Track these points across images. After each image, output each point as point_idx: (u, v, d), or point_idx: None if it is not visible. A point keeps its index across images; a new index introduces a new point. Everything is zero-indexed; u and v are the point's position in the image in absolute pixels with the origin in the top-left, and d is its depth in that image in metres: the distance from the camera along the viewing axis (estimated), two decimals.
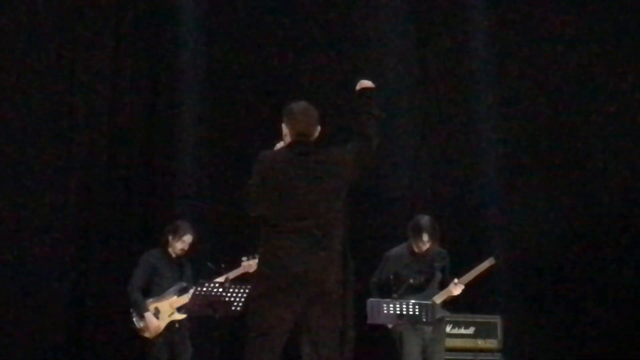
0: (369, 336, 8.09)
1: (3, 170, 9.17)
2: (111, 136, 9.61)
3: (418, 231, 7.75)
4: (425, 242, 7.75)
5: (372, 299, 7.52)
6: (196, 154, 9.80)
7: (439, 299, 7.72)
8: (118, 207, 9.52)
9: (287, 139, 5.13)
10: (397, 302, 7.43)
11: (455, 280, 7.72)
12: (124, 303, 8.10)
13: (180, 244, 8.08)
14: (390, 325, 7.69)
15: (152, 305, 7.92)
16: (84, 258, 9.39)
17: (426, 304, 7.51)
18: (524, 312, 9.56)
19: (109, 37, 9.65)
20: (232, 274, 7.75)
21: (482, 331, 8.71)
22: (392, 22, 10.07)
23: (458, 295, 7.78)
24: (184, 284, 7.96)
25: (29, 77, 9.29)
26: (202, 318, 7.92)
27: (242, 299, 7.45)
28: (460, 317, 8.66)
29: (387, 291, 7.69)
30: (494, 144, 10.10)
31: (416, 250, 7.79)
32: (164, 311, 7.90)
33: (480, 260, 7.90)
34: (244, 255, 7.74)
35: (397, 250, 7.94)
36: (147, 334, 7.90)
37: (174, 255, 8.11)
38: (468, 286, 7.78)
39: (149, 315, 7.87)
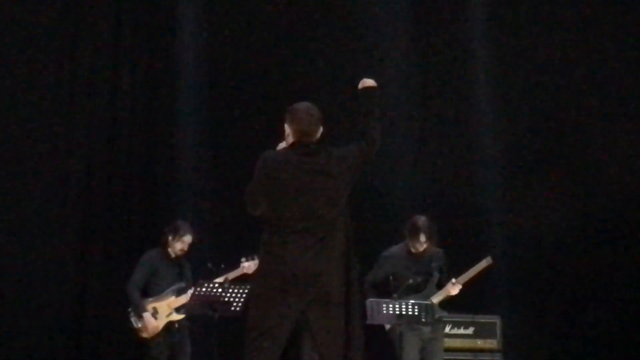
0: (366, 336, 8.08)
1: (3, 171, 9.16)
2: (111, 137, 9.59)
3: (415, 232, 7.76)
4: (422, 243, 7.76)
5: (371, 299, 7.53)
6: (196, 154, 9.80)
7: (437, 299, 7.73)
8: (117, 207, 9.51)
9: (290, 139, 5.11)
10: (397, 302, 7.46)
11: (453, 280, 7.74)
12: (124, 303, 8.10)
13: (180, 244, 8.08)
14: (387, 326, 7.70)
15: (150, 305, 7.92)
16: (83, 258, 9.37)
17: (426, 304, 7.53)
18: (523, 313, 9.57)
19: (108, 38, 9.63)
20: (232, 275, 7.76)
21: (482, 331, 8.71)
22: (392, 24, 10.09)
23: (456, 295, 7.80)
24: (183, 285, 7.96)
25: (28, 79, 9.28)
26: (201, 318, 7.91)
27: (242, 299, 7.47)
28: (459, 318, 8.66)
29: (382, 291, 7.69)
30: (492, 144, 10.11)
31: (413, 250, 7.80)
32: (162, 311, 7.91)
33: (479, 260, 7.92)
34: (243, 257, 7.74)
35: (394, 250, 7.94)
36: (145, 334, 7.91)
37: (173, 256, 8.11)
38: (466, 286, 7.80)
39: (146, 315, 7.87)
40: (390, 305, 7.46)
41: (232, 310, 7.50)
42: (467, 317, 8.72)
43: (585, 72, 10.11)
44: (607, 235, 9.87)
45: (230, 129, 9.85)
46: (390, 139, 9.20)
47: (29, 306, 9.00)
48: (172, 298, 7.91)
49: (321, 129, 5.13)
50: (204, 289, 7.49)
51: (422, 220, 7.83)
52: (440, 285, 7.82)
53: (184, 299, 7.81)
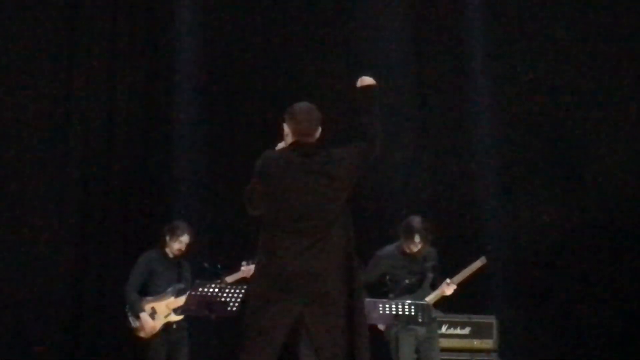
0: None
1: (1, 172, 9.14)
2: (109, 136, 9.58)
3: (410, 232, 7.76)
4: (416, 244, 7.75)
5: (367, 299, 7.51)
6: (194, 154, 9.79)
7: (432, 299, 7.73)
8: (115, 207, 9.50)
9: (289, 139, 5.09)
10: (393, 302, 7.47)
11: (448, 280, 7.75)
12: (121, 303, 8.09)
13: (178, 244, 8.07)
14: (381, 326, 7.69)
15: (149, 305, 7.91)
16: (80, 258, 9.36)
17: (422, 304, 7.54)
18: (520, 313, 9.57)
19: (106, 39, 9.62)
20: (231, 278, 7.74)
21: (478, 331, 8.72)
22: (391, 25, 10.08)
23: (451, 295, 7.80)
24: (182, 286, 7.95)
25: (26, 79, 9.27)
26: (199, 318, 7.90)
27: (238, 300, 7.46)
28: (455, 318, 8.68)
29: (376, 291, 7.69)
30: (489, 145, 10.11)
31: (407, 251, 7.80)
32: (161, 312, 7.90)
33: (475, 261, 7.92)
34: (244, 260, 7.71)
35: (388, 250, 7.93)
36: (142, 334, 7.91)
37: (171, 256, 8.11)
38: (461, 286, 7.80)
39: (144, 315, 7.87)
40: (387, 306, 7.45)
41: (229, 310, 7.50)
42: (463, 317, 8.74)
43: (583, 76, 10.11)
44: (603, 235, 9.88)
45: (228, 129, 9.84)
46: (388, 139, 9.20)
47: (26, 306, 9.00)
48: (171, 299, 7.91)
49: (320, 129, 5.12)
50: (200, 290, 7.47)
51: (416, 221, 7.82)
52: (434, 285, 7.82)
53: (183, 299, 7.79)
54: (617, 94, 10.05)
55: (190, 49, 9.81)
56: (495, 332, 8.76)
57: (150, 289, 8.02)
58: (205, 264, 7.88)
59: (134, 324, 7.91)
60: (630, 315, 9.65)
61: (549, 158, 10.11)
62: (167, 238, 8.09)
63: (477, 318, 8.80)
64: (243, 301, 7.23)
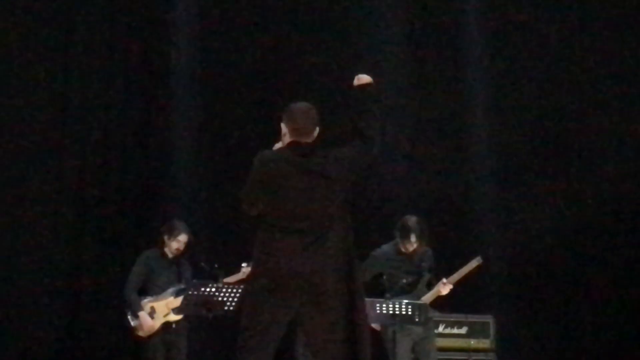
0: None
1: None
2: (106, 135, 9.57)
3: (406, 232, 7.76)
4: (412, 243, 7.75)
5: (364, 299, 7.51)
6: (191, 154, 9.78)
7: (428, 299, 7.73)
8: (112, 206, 9.49)
9: (286, 138, 5.07)
10: (390, 302, 7.45)
11: (444, 280, 7.74)
12: (117, 303, 8.09)
13: (176, 244, 8.07)
14: (375, 326, 7.68)
15: (148, 304, 7.92)
16: (77, 259, 9.34)
17: (419, 304, 7.53)
18: (517, 312, 9.58)
19: (103, 38, 9.62)
20: (231, 279, 7.74)
21: (475, 331, 8.74)
22: (387, 24, 10.08)
23: (447, 295, 7.80)
24: (182, 286, 7.94)
25: (22, 80, 9.27)
26: (195, 318, 7.89)
27: (235, 299, 7.46)
28: (453, 317, 8.69)
29: (371, 290, 7.69)
30: (485, 144, 10.12)
31: (403, 250, 7.80)
32: (160, 311, 7.90)
33: (470, 260, 7.93)
34: (244, 262, 7.70)
35: (384, 249, 7.93)
36: (141, 333, 7.91)
37: (170, 256, 8.11)
38: (457, 286, 7.80)
39: (143, 314, 7.87)
40: (384, 305, 7.45)
41: (226, 310, 7.49)
42: (460, 317, 8.75)
43: (580, 77, 10.12)
44: (599, 235, 9.89)
45: (225, 129, 9.83)
46: (385, 139, 9.21)
47: (23, 306, 8.97)
48: (171, 298, 7.90)
49: (318, 129, 5.10)
50: (198, 290, 7.47)
51: (412, 220, 7.82)
52: (430, 285, 7.82)
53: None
54: (613, 93, 10.06)
55: (187, 50, 9.81)
56: (492, 331, 8.77)
57: (149, 289, 8.01)
58: (203, 264, 7.88)
59: (133, 323, 7.91)
60: (627, 314, 9.66)
61: (546, 158, 10.12)
62: (166, 238, 8.09)
63: (474, 317, 8.81)
64: (240, 301, 7.22)
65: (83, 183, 9.45)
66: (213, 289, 7.46)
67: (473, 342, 8.71)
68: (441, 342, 8.39)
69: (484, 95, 10.16)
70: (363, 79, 5.24)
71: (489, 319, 8.83)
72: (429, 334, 7.87)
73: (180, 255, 8.12)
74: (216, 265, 7.72)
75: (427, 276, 7.84)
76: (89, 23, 9.57)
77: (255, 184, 4.97)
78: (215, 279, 7.62)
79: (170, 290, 7.94)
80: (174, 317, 7.89)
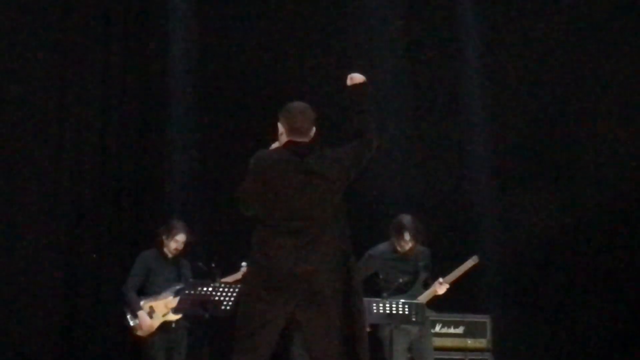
0: None
1: None
2: (103, 135, 9.56)
3: (400, 230, 7.77)
4: (407, 241, 7.76)
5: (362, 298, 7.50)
6: (188, 154, 9.77)
7: (424, 298, 7.73)
8: (108, 206, 9.47)
9: (283, 138, 5.08)
10: (387, 302, 7.46)
11: (440, 280, 7.75)
12: (116, 303, 8.08)
13: (174, 244, 8.08)
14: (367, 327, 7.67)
15: (147, 304, 7.94)
16: (74, 259, 9.31)
17: (416, 304, 7.54)
18: (513, 312, 9.57)
19: (99, 38, 9.62)
20: (230, 279, 7.74)
21: (472, 331, 8.74)
22: (383, 25, 10.08)
23: (443, 294, 7.81)
24: (182, 285, 7.93)
25: (19, 81, 9.25)
26: (192, 317, 7.89)
27: (232, 298, 7.46)
28: (449, 317, 8.69)
29: (370, 290, 7.69)
30: (482, 144, 10.12)
31: (399, 249, 7.80)
32: (159, 311, 7.91)
33: (467, 260, 7.93)
34: (244, 261, 7.69)
35: (380, 248, 7.93)
36: (140, 333, 7.93)
37: (170, 256, 8.12)
38: (453, 285, 7.80)
39: (141, 314, 7.88)
40: (381, 305, 7.45)
41: (223, 309, 7.49)
42: (457, 317, 8.75)
43: (578, 75, 10.13)
44: (596, 234, 9.90)
45: (222, 129, 9.82)
46: (381, 138, 9.19)
47: (20, 307, 8.95)
48: (170, 298, 7.90)
49: (314, 129, 5.11)
50: (194, 289, 7.47)
51: (407, 218, 7.83)
52: (426, 285, 7.82)
53: None
54: (610, 91, 10.06)
55: (184, 50, 9.81)
56: (488, 331, 8.77)
57: (148, 289, 8.04)
58: (200, 264, 7.88)
59: (132, 323, 7.91)
60: (624, 313, 9.66)
61: (543, 157, 10.13)
62: (164, 238, 8.11)
63: (470, 317, 8.81)
64: (237, 300, 7.22)
65: (80, 183, 9.43)
66: (210, 289, 7.46)
67: (470, 342, 8.71)
68: (438, 342, 8.39)
69: (481, 94, 10.16)
70: (356, 78, 5.23)
71: (485, 318, 8.83)
72: (426, 333, 7.87)
73: (180, 255, 8.13)
74: (213, 265, 7.72)
75: (423, 276, 7.84)
76: (85, 23, 9.55)
77: (251, 183, 4.97)
78: (212, 278, 7.62)
79: (170, 290, 7.94)
80: (173, 317, 7.90)
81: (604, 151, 10.03)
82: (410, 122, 10.16)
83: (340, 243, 4.97)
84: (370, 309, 7.38)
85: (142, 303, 7.93)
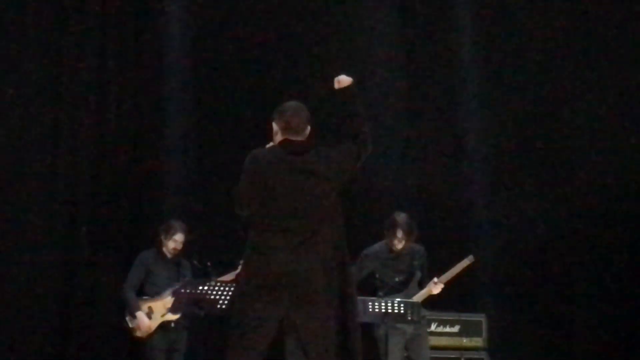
0: None
1: None
2: (99, 135, 9.55)
3: (393, 228, 7.76)
4: (400, 239, 7.75)
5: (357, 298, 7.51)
6: (184, 153, 9.76)
7: (419, 298, 7.73)
8: (106, 206, 9.46)
9: (278, 137, 5.08)
10: (383, 301, 7.47)
11: (435, 280, 7.74)
12: (112, 304, 8.08)
13: (173, 244, 8.09)
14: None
15: (146, 304, 7.95)
16: (70, 259, 9.30)
17: (412, 303, 7.54)
18: (509, 311, 9.58)
19: (95, 40, 9.61)
20: (226, 277, 7.73)
21: (467, 329, 8.74)
22: (380, 23, 10.08)
23: (439, 294, 7.80)
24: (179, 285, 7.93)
25: (16, 81, 9.25)
26: (192, 316, 7.88)
27: (228, 297, 7.45)
28: (445, 316, 8.70)
29: (365, 290, 7.69)
30: (478, 143, 10.12)
31: (393, 247, 7.79)
32: (157, 311, 7.91)
33: (462, 259, 7.93)
34: (241, 259, 7.66)
35: (375, 248, 7.92)
36: (138, 334, 7.93)
37: (169, 255, 8.12)
38: (450, 284, 7.80)
39: (140, 314, 7.89)
40: (376, 304, 7.46)
41: (218, 308, 7.49)
42: (453, 315, 8.76)
43: (571, 73, 10.13)
44: (591, 233, 9.90)
45: (219, 127, 9.81)
46: (376, 137, 9.19)
47: (18, 308, 8.94)
48: (169, 298, 7.89)
49: (309, 129, 5.11)
50: (190, 288, 7.47)
51: (400, 216, 7.82)
52: (422, 284, 7.82)
53: None
54: (605, 90, 10.06)
55: (180, 50, 9.79)
56: (484, 330, 8.78)
57: (147, 289, 8.04)
58: (195, 262, 7.88)
59: (131, 323, 7.92)
60: (619, 312, 9.67)
61: (538, 157, 10.13)
62: (163, 237, 8.11)
63: (466, 316, 8.82)
64: (231, 300, 7.22)
65: (77, 182, 9.43)
66: (205, 287, 7.46)
67: (465, 341, 8.72)
68: (433, 341, 8.39)
69: (477, 93, 10.16)
70: (343, 81, 5.22)
71: (481, 317, 8.84)
72: (422, 332, 7.88)
73: (179, 254, 8.13)
74: (209, 264, 7.72)
75: (418, 275, 7.84)
76: (81, 25, 9.54)
77: (246, 182, 4.97)
78: (208, 277, 7.61)
79: (169, 289, 7.93)
80: (172, 317, 7.89)
81: (599, 151, 10.03)
82: (406, 121, 10.16)
83: (336, 242, 4.96)
84: (366, 308, 7.39)
85: (140, 303, 7.93)
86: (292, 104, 5.14)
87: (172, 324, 7.93)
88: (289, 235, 4.88)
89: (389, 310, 7.44)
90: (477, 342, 8.75)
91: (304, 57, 9.96)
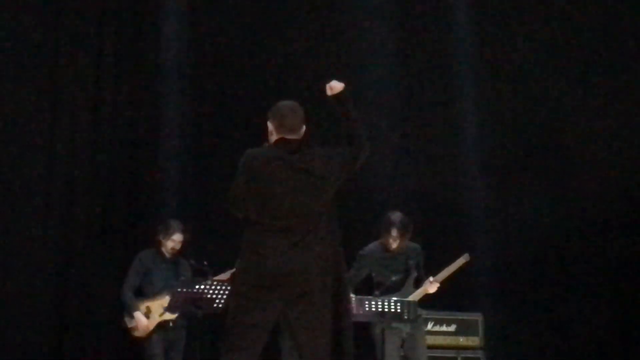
0: None
1: None
2: (96, 133, 9.55)
3: (388, 227, 7.76)
4: (395, 238, 7.75)
5: (353, 297, 7.52)
6: (182, 153, 9.76)
7: (415, 297, 7.73)
8: (103, 205, 9.46)
9: (273, 137, 5.09)
10: (379, 300, 7.46)
11: (431, 279, 7.74)
12: (109, 304, 8.08)
13: (171, 243, 8.10)
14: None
15: (144, 304, 7.96)
16: (67, 260, 9.29)
17: (408, 302, 7.54)
18: (505, 310, 9.60)
19: (92, 40, 9.61)
20: (223, 276, 7.73)
21: (464, 328, 8.76)
22: (376, 25, 10.08)
23: (435, 293, 7.81)
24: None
25: (13, 79, 9.23)
26: (189, 314, 7.89)
27: (225, 296, 7.46)
28: (441, 315, 8.71)
29: (362, 290, 7.70)
30: (475, 141, 10.13)
31: (388, 246, 7.80)
32: (155, 311, 7.93)
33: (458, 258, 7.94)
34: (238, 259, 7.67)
35: (371, 248, 7.92)
36: (137, 333, 7.95)
37: (167, 255, 8.13)
38: (447, 283, 7.81)
39: (138, 314, 7.90)
40: (373, 303, 7.46)
41: (215, 307, 7.49)
42: (449, 315, 8.77)
43: (567, 71, 10.15)
44: (589, 231, 9.92)
45: (216, 129, 9.81)
46: (373, 137, 9.19)
47: (15, 308, 8.93)
48: (167, 298, 7.89)
49: (304, 128, 5.12)
50: (187, 287, 7.48)
51: (395, 215, 7.83)
52: (417, 282, 7.83)
53: None
54: (605, 88, 10.08)
55: (177, 48, 9.80)
56: (481, 329, 8.80)
57: (146, 289, 8.06)
58: (192, 261, 7.89)
59: (130, 323, 7.93)
60: (616, 312, 9.69)
61: (535, 154, 10.14)
62: (161, 237, 8.12)
63: (463, 315, 8.84)
64: (227, 299, 7.22)
65: (73, 183, 9.41)
66: (202, 287, 7.47)
67: (462, 340, 8.73)
68: (430, 340, 8.41)
69: (474, 91, 10.18)
70: (335, 87, 5.22)
71: (477, 316, 8.85)
72: (418, 331, 7.87)
73: (178, 254, 8.13)
74: (205, 263, 7.72)
75: (414, 274, 7.84)
76: (78, 20, 9.54)
77: (241, 182, 4.97)
78: (205, 276, 7.62)
79: (167, 289, 7.94)
80: (170, 316, 7.90)
81: (596, 148, 10.05)
82: (401, 120, 10.17)
83: (331, 242, 4.96)
84: (362, 307, 7.40)
85: (139, 303, 7.94)
86: (287, 103, 5.16)
87: (170, 324, 7.95)
88: (285, 235, 4.90)
89: (386, 310, 7.44)
90: (474, 341, 8.77)
91: (301, 57, 9.96)
